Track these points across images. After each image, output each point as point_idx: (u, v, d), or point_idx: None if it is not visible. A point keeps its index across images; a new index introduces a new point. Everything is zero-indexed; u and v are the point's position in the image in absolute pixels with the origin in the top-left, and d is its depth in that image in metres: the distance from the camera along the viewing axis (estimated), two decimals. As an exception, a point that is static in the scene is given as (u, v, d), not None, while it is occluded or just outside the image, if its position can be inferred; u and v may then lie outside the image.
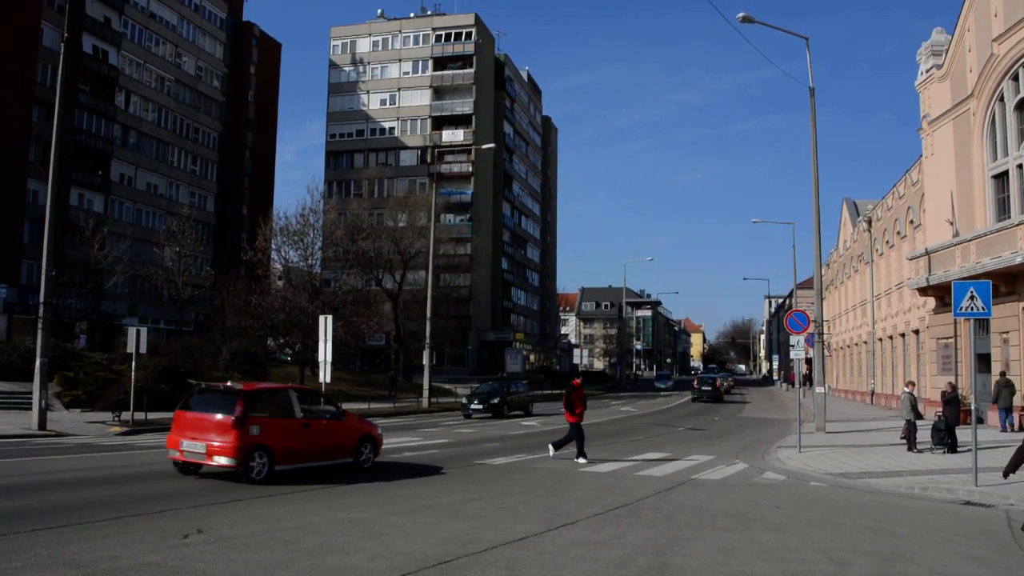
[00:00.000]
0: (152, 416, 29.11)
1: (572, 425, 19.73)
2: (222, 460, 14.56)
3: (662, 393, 72.70)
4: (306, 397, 17.67)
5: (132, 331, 28.90)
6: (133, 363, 29.39)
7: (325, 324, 35.77)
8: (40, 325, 26.39)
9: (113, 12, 66.09)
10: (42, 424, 25.00)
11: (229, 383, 17.92)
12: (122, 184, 67.24)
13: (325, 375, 36.01)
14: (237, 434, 14.53)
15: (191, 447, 14.99)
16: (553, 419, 37.37)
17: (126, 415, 28.54)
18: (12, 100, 56.63)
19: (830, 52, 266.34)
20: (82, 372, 36.28)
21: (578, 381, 20.72)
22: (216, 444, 14.58)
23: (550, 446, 20.08)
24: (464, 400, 40.14)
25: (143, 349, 28.73)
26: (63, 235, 49.06)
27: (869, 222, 50.33)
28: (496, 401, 38.75)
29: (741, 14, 27.10)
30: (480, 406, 38.27)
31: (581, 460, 19.28)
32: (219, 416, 14.89)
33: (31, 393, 26.40)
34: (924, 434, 22.64)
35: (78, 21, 60.14)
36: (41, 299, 26.73)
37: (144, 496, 12.87)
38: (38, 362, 25.70)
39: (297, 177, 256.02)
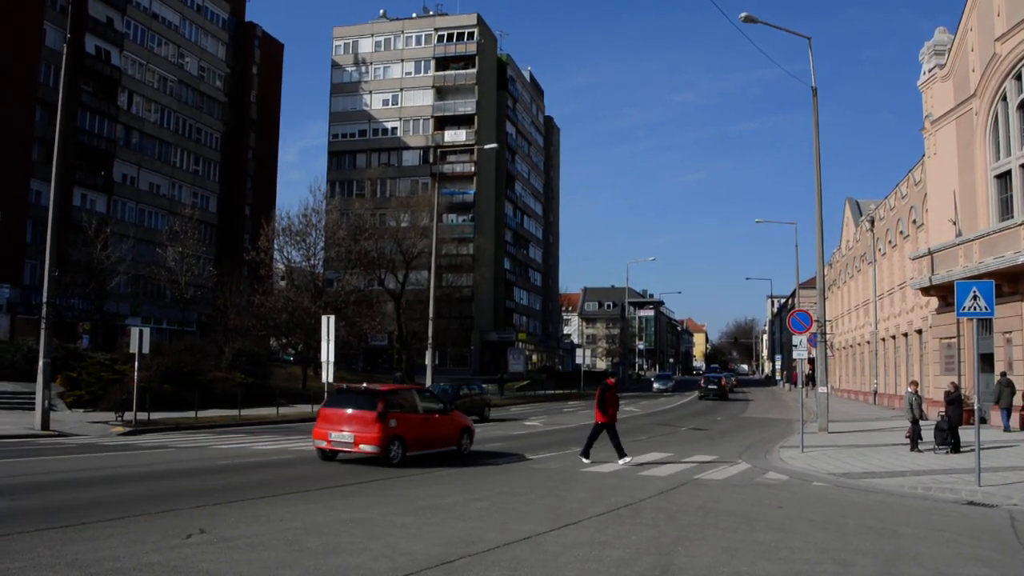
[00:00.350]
0: (155, 416, 29.19)
1: (598, 425, 19.31)
2: (367, 448, 17.80)
3: (664, 394, 72.10)
4: (423, 395, 21.09)
5: (135, 331, 28.97)
6: (136, 363, 29.46)
7: (328, 324, 35.76)
8: (43, 325, 26.43)
9: (115, 12, 66.15)
10: (45, 424, 25.04)
11: (365, 384, 21.08)
12: (125, 184, 67.30)
13: (328, 375, 36.02)
14: (380, 426, 17.80)
15: (339, 437, 18.13)
16: (556, 419, 37.37)
17: (129, 415, 28.61)
18: (15, 100, 56.70)
19: (832, 52, 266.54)
20: (85, 372, 36.35)
21: (612, 381, 20.16)
22: (362, 434, 17.80)
23: (619, 458, 19.04)
24: None
25: (146, 349, 28.80)
26: (66, 235, 49.13)
27: (872, 222, 50.30)
28: (443, 407, 31.15)
29: (743, 14, 27.07)
30: None
31: (585, 460, 19.11)
32: (364, 411, 18.05)
33: (34, 393, 26.44)
34: (927, 434, 22.63)
35: (81, 21, 60.15)
36: (44, 299, 26.76)
37: (147, 496, 12.87)
38: (41, 362, 25.74)
39: (300, 177, 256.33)
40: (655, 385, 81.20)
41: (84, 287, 53.48)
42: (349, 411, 18.31)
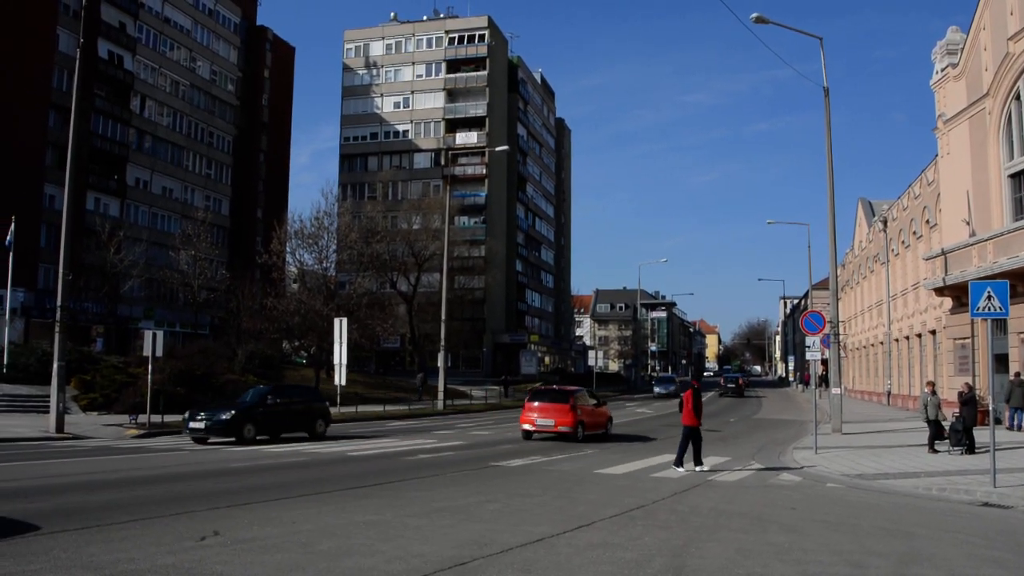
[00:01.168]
0: (168, 419, 29.25)
1: (689, 428, 18.53)
2: (564, 429, 25.71)
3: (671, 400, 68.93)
4: (589, 393, 29.85)
5: (148, 334, 29.07)
6: (149, 366, 29.54)
7: (340, 327, 35.90)
8: (57, 329, 26.55)
9: (128, 17, 66.44)
10: (60, 427, 25.15)
11: (555, 385, 32.49)
12: (138, 188, 67.56)
13: (340, 377, 36.13)
14: (573, 414, 25.78)
15: (543, 423, 26.02)
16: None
17: (142, 418, 28.71)
18: (29, 105, 57.00)
19: (845, 52, 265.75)
20: (99, 375, 36.50)
21: (698, 384, 19.51)
22: (561, 419, 25.76)
23: (695, 465, 18.49)
24: (186, 415, 25.09)
25: (159, 352, 28.87)
26: (79, 239, 49.35)
27: (884, 222, 50.12)
28: (228, 417, 23.92)
29: (755, 15, 27.02)
30: (201, 425, 23.82)
31: (680, 469, 18.25)
32: (560, 404, 26.20)
33: (49, 396, 26.57)
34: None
35: (93, 27, 60.44)
36: (58, 303, 26.88)
37: (161, 498, 12.92)
38: (55, 365, 25.86)
39: (312, 180, 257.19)
40: (655, 389, 71.82)
41: (98, 291, 53.75)
42: (549, 404, 26.47)
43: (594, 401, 28.54)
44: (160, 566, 8.28)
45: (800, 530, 11.36)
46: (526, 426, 26.31)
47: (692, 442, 18.67)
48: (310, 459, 19.85)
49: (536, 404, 26.64)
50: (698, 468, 18.33)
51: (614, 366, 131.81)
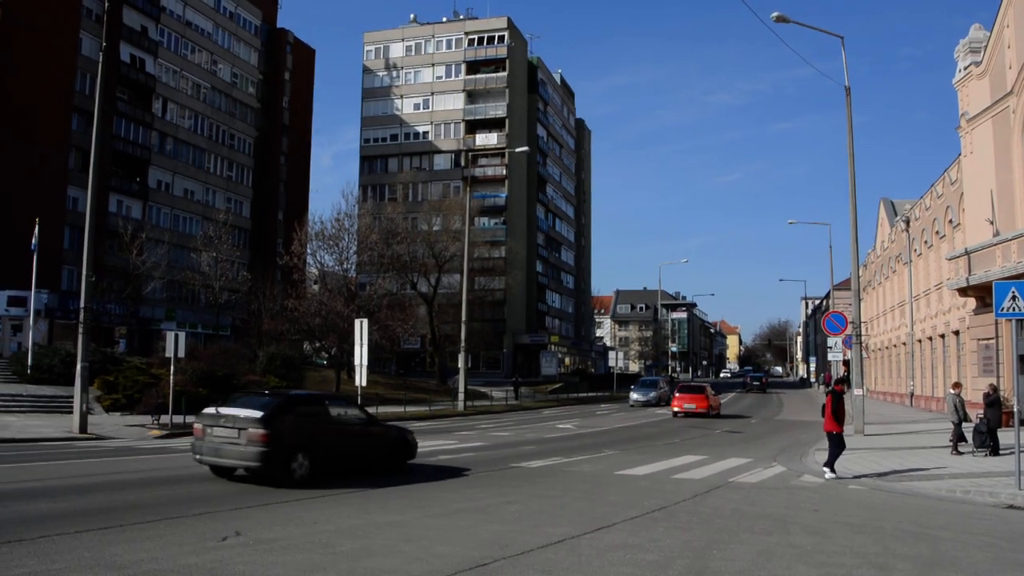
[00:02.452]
0: (190, 419, 29.28)
1: (835, 435, 17.82)
2: (701, 410, 39.54)
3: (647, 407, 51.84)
4: (712, 385, 48.81)
5: (170, 335, 29.21)
6: (171, 367, 29.69)
7: (361, 328, 35.90)
8: (80, 330, 26.72)
9: (150, 21, 66.88)
10: (83, 427, 25.30)
11: (694, 381, 53.35)
12: (159, 190, 67.98)
13: (361, 378, 36.16)
14: (708, 401, 40.34)
15: (688, 406, 39.82)
16: (589, 421, 37.28)
17: (165, 418, 28.84)
18: (52, 109, 57.52)
19: (869, 50, 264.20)
20: (121, 376, 36.69)
21: (841, 387, 18.77)
22: (701, 404, 39.80)
23: (825, 470, 17.86)
24: None
25: (181, 353, 29.01)
26: (102, 241, 49.72)
27: (907, 222, 49.78)
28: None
29: (775, 14, 26.89)
30: None
31: (830, 474, 17.61)
32: (699, 394, 40.96)
33: (72, 397, 26.73)
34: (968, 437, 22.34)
35: (116, 30, 60.90)
36: (81, 304, 27.06)
37: (183, 499, 12.98)
38: (79, 366, 26.02)
39: (334, 182, 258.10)
40: (632, 395, 53.80)
41: (120, 292, 54.08)
42: (691, 394, 41.47)
43: (714, 392, 44.89)
44: (183, 566, 8.33)
45: (823, 532, 11.29)
46: (675, 409, 40.89)
47: (829, 447, 18.02)
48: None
49: (682, 395, 41.85)
50: (828, 475, 17.56)
51: (634, 367, 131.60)
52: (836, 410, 17.74)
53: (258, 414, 14.53)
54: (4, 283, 50.21)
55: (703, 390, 42.00)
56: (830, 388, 18.72)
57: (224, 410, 15.22)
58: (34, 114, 55.65)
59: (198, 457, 15.05)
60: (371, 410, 38.03)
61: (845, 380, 19.22)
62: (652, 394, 52.78)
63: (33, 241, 40.92)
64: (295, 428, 14.98)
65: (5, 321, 50.98)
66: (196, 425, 15.26)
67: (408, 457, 17.83)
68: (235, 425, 14.49)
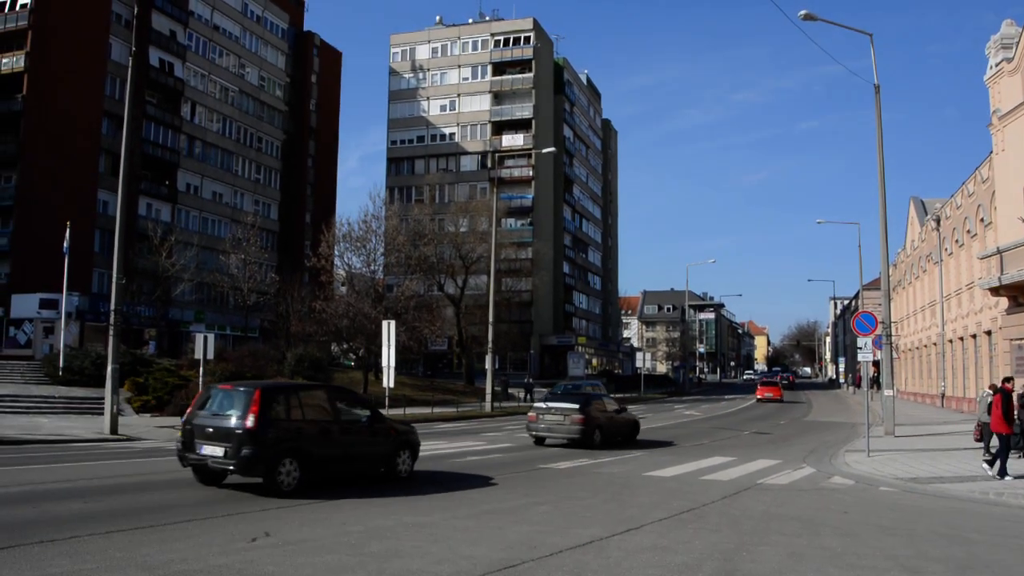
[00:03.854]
0: (220, 421, 29.54)
1: (1004, 436, 17.21)
2: (777, 398, 62.77)
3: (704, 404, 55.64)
4: (783, 378, 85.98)
5: (199, 337, 29.48)
6: (201, 369, 29.94)
7: (388, 329, 36.02)
8: (111, 332, 26.96)
9: (178, 26, 67.41)
10: (114, 429, 25.52)
11: (765, 377, 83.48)
12: (188, 193, 68.49)
13: (388, 380, 36.27)
14: (781, 392, 65.95)
15: (767, 395, 62.69)
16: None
17: (194, 420, 28.99)
18: (83, 113, 58.16)
19: (899, 48, 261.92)
20: (152, 378, 37.02)
21: (1010, 386, 18.27)
22: (776, 393, 63.52)
23: (991, 471, 17.33)
24: None
25: (210, 355, 29.26)
26: (132, 244, 50.13)
27: (937, 221, 49.31)
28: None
29: (803, 12, 26.73)
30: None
31: (1004, 477, 17.01)
32: (776, 386, 65.86)
33: (103, 398, 26.99)
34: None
35: (145, 35, 61.42)
36: (112, 307, 27.29)
37: (213, 500, 13.05)
38: (109, 368, 26.25)
39: (361, 184, 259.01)
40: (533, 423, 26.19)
41: (150, 294, 54.58)
42: (769, 386, 64.93)
43: (785, 383, 67.24)
44: (212, 566, 8.37)
45: (854, 534, 11.20)
46: (759, 397, 62.07)
47: (999, 449, 17.49)
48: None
49: (762, 386, 64.17)
50: (996, 477, 17.04)
51: (662, 368, 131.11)
52: (1007, 410, 17.16)
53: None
54: (36, 286, 50.81)
55: (777, 382, 69.96)
56: (999, 388, 18.18)
57: None
58: (65, 119, 56.32)
59: None
60: (399, 412, 38.31)
61: (1011, 379, 18.46)
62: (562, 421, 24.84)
63: (65, 244, 41.36)
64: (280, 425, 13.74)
65: (37, 323, 51.55)
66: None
67: (410, 457, 16.23)
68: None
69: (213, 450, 13.45)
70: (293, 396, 14.46)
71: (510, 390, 58.14)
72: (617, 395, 69.44)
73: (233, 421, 13.42)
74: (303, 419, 14.18)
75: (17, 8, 56.86)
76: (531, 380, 63.99)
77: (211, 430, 13.63)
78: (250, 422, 13.20)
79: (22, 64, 55.84)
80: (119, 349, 27.54)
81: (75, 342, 46.79)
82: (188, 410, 14.82)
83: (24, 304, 51.89)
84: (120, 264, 27.32)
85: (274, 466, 13.30)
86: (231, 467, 13.30)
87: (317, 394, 15.60)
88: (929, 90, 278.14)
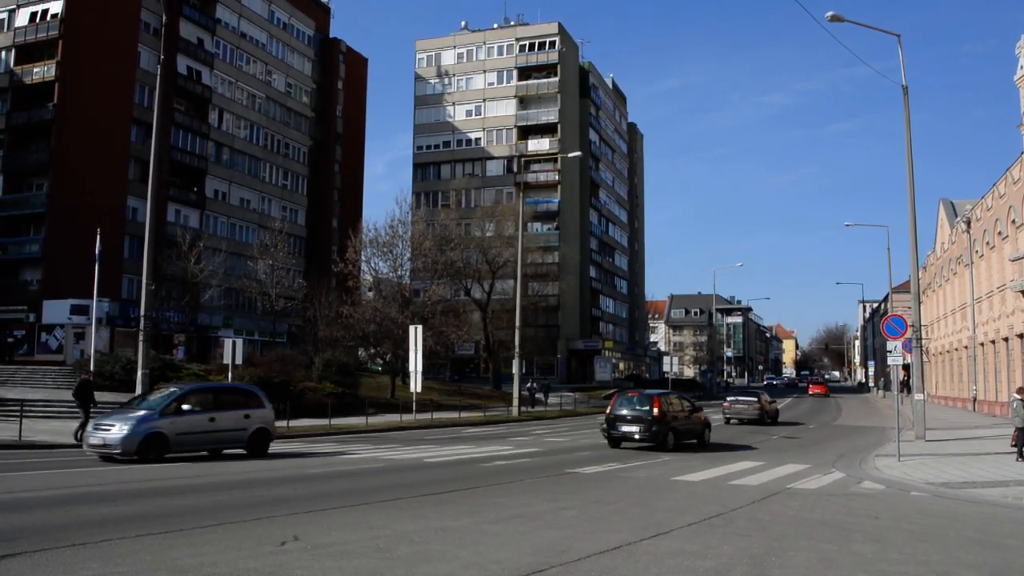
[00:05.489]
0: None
1: None
2: (823, 393, 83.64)
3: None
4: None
5: (228, 342, 29.66)
6: (229, 374, 30.14)
7: (415, 334, 36.11)
8: (141, 338, 27.19)
9: (206, 33, 67.97)
10: (144, 434, 25.65)
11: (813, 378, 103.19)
12: (216, 200, 68.99)
13: (416, 384, 36.33)
14: (827, 388, 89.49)
15: (816, 392, 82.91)
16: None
17: (223, 425, 29.15)
18: (113, 121, 58.80)
19: (930, 48, 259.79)
20: (181, 383, 37.24)
21: None
22: (823, 389, 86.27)
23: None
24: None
25: (239, 360, 29.44)
26: (161, 250, 50.51)
27: (968, 223, 48.86)
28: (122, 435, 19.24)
29: (830, 13, 26.56)
30: (99, 441, 19.34)
31: None
32: (823, 382, 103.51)
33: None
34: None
35: (173, 43, 61.97)
36: (142, 312, 27.54)
37: (241, 503, 13.12)
38: (139, 373, 26.48)
39: (389, 189, 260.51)
40: (733, 400, 42.24)
41: (179, 300, 55.04)
42: (818, 383, 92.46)
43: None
44: (243, 570, 8.40)
45: (884, 539, 11.09)
46: (810, 392, 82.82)
47: None
48: (387, 465, 19.99)
49: (813, 385, 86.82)
50: None
51: (689, 372, 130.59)
52: None
53: None
54: (67, 292, 51.40)
55: (824, 384, 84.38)
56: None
57: None
58: (95, 127, 56.97)
59: None
60: (426, 416, 38.35)
61: None
62: (747, 408, 40.83)
63: (96, 250, 41.80)
64: None
65: (68, 329, 52.12)
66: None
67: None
68: None
69: (630, 428, 24.49)
70: (669, 398, 26.41)
71: (537, 395, 58.10)
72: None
73: (644, 412, 24.49)
74: (673, 411, 25.39)
75: (48, 18, 57.62)
76: (547, 381, 63.93)
77: (629, 417, 24.77)
78: (656, 413, 24.22)
79: (53, 73, 56.56)
80: (149, 354, 27.76)
81: (105, 347, 47.23)
82: (608, 408, 26.02)
83: (55, 310, 52.50)
84: (150, 270, 27.55)
85: (665, 436, 24.26)
86: (642, 437, 24.27)
87: (674, 397, 27.34)
88: (959, 90, 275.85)
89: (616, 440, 25.07)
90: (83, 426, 22.06)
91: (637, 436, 24.19)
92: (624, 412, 24.98)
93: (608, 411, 25.68)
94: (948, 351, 58.62)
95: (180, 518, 11.38)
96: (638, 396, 26.30)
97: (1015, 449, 21.27)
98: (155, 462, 18.87)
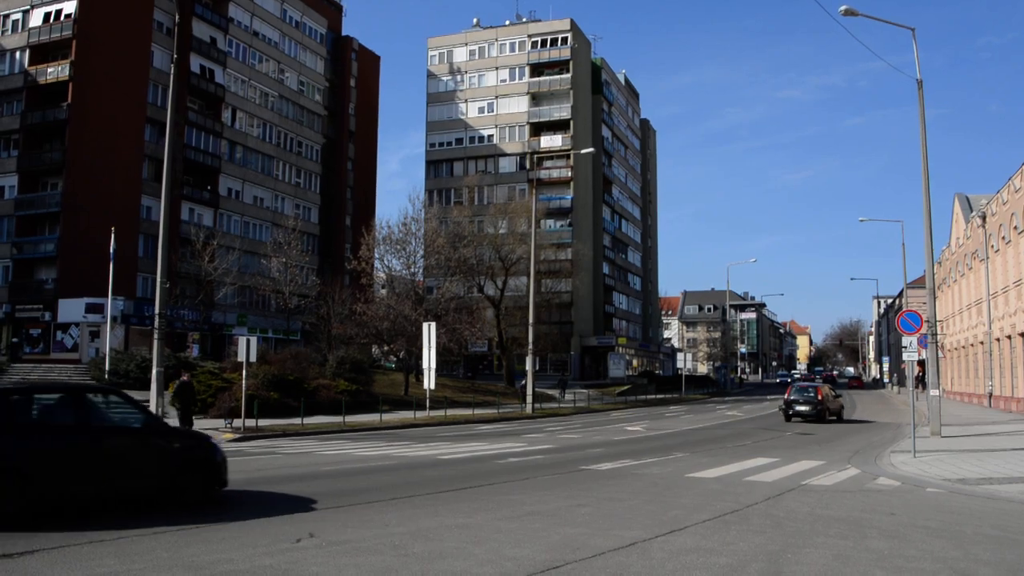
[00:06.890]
0: (262, 423, 29.85)
1: None
2: (860, 387, 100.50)
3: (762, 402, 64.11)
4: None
5: (242, 340, 29.68)
6: (243, 371, 30.21)
7: (429, 331, 36.13)
8: (155, 336, 27.32)
9: (218, 32, 68.13)
10: (159, 432, 25.75)
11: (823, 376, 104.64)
12: (230, 198, 69.18)
13: (429, 381, 36.35)
14: (863, 382, 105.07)
15: (854, 385, 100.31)
16: (658, 423, 37.02)
17: (237, 422, 29.32)
18: (127, 120, 59.09)
19: (947, 42, 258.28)
20: (195, 381, 37.36)
21: None
22: (859, 384, 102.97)
23: None
24: None
25: (253, 358, 29.48)
26: (175, 249, 50.80)
27: (983, 218, 48.59)
28: None
29: (843, 7, 26.44)
30: None
31: None
32: (859, 376, 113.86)
33: (148, 401, 27.29)
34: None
35: (186, 42, 62.16)
36: (156, 311, 27.66)
37: (255, 501, 13.16)
38: (154, 371, 26.61)
39: (402, 186, 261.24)
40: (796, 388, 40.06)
41: (193, 298, 55.24)
42: (854, 378, 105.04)
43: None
44: (258, 567, 8.44)
45: (901, 536, 11.04)
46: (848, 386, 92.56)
47: None
48: (401, 462, 20.01)
49: (850, 379, 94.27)
50: None
51: (703, 368, 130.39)
52: None
53: None
54: (82, 290, 51.70)
55: (859, 381, 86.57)
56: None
57: None
58: (109, 126, 57.24)
59: None
60: (440, 413, 38.40)
61: None
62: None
63: (111, 249, 41.99)
64: None
65: (84, 327, 52.41)
66: None
67: (214, 481, 12.91)
68: None
69: (802, 408, 36.26)
70: (825, 388, 38.78)
71: (549, 391, 58.08)
72: (658, 395, 69.49)
73: (811, 396, 36.88)
74: (828, 397, 37.44)
75: (62, 19, 57.86)
76: (565, 376, 63.91)
77: (801, 400, 36.61)
78: (819, 397, 36.55)
79: (67, 73, 56.79)
80: (163, 352, 27.89)
81: (120, 345, 47.48)
82: (785, 395, 38.03)
83: (71, 308, 52.81)
84: (164, 268, 27.66)
85: (824, 413, 36.15)
86: (809, 413, 35.87)
87: (827, 388, 39.51)
88: (978, 84, 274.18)
89: (790, 416, 36.66)
90: None
91: (807, 411, 36.08)
92: (797, 397, 37.19)
93: (786, 396, 37.99)
94: (963, 347, 58.33)
95: (196, 515, 11.43)
96: (807, 386, 39.33)
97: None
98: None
